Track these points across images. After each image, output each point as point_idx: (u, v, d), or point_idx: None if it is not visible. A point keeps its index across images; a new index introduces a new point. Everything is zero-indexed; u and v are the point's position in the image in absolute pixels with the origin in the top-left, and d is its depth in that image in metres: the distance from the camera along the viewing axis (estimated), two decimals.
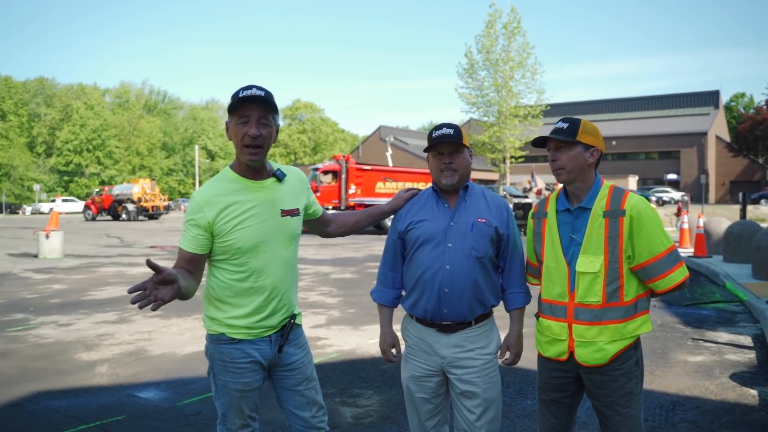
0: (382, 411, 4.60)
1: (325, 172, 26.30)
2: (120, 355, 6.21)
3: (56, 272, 13.04)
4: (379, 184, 27.25)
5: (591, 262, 2.54)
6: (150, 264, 2.15)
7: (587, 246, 2.56)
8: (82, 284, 11.28)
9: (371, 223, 3.04)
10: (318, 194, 24.38)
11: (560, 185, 2.73)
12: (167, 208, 45.94)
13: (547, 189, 28.99)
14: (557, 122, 2.68)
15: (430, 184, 2.89)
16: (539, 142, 2.72)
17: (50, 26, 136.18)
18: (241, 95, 2.43)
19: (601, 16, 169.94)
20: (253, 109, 2.43)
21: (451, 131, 2.72)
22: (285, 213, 2.58)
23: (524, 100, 40.70)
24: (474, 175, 44.80)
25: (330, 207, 24.85)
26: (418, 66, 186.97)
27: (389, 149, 56.11)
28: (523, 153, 40.92)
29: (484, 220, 2.74)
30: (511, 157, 41.65)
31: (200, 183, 75.92)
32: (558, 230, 2.66)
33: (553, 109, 56.13)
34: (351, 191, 25.74)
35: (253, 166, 2.52)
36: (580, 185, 2.64)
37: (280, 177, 2.60)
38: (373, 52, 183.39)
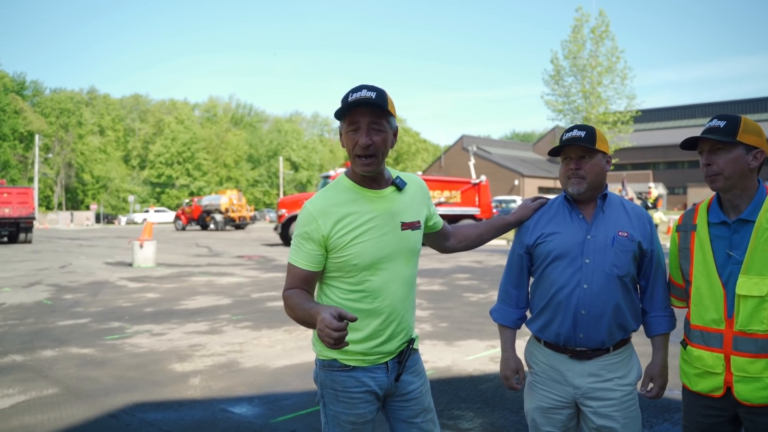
0: None
1: None
2: (212, 366, 6.17)
3: (149, 281, 13.38)
4: None
5: (755, 284, 2.16)
6: (349, 318, 1.88)
7: (750, 265, 2.18)
8: (174, 293, 11.49)
9: (495, 236, 2.74)
10: None
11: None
12: (253, 219, 46.93)
13: (639, 198, 27.78)
14: (711, 120, 2.32)
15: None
16: (689, 144, 2.36)
17: (145, 47, 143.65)
18: (349, 99, 2.16)
19: (691, 17, 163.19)
20: (363, 114, 2.16)
21: (582, 134, 2.41)
22: (405, 226, 2.30)
23: (613, 106, 39.22)
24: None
25: None
26: (500, 75, 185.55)
27: (472, 159, 55.52)
28: (612, 161, 39.45)
29: (625, 234, 2.41)
30: None
31: (284, 194, 77.52)
32: (711, 246, 2.29)
33: (645, 115, 54.07)
34: None
35: (368, 176, 2.26)
36: (739, 193, 2.27)
37: (400, 186, 2.32)
38: (455, 62, 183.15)
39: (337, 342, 1.85)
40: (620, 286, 2.39)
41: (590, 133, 2.43)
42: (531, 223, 2.59)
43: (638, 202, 25.65)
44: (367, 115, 2.17)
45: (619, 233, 2.41)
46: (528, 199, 2.70)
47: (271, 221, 58.98)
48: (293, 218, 23.93)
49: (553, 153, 2.54)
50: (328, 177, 25.04)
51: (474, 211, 26.24)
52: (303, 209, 2.26)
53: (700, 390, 2.34)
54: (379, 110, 2.17)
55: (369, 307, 2.26)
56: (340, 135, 2.28)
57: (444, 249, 2.71)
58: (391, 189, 2.32)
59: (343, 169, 17.91)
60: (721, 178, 2.26)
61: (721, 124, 2.26)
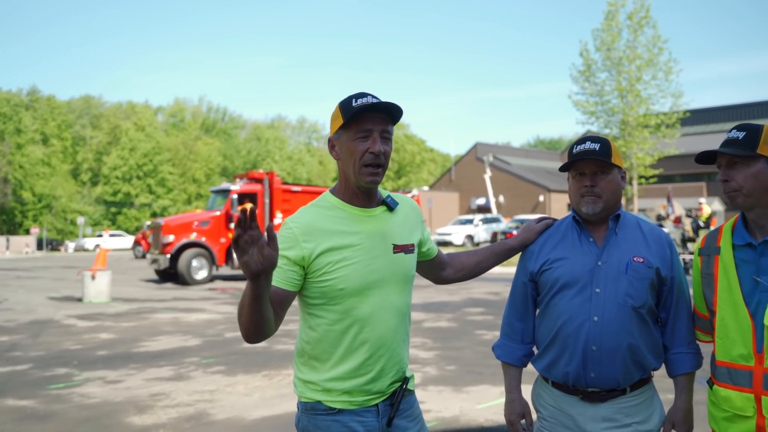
0: None
1: (241, 196, 22.84)
2: (177, 419, 6.29)
3: (103, 319, 13.51)
4: None
5: None
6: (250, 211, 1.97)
7: None
8: (133, 333, 11.62)
9: (496, 264, 2.90)
10: (232, 225, 21.48)
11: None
12: None
13: (688, 216, 27.92)
14: (730, 131, 2.48)
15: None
16: (706, 157, 2.53)
17: (96, 41, 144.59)
18: (357, 103, 2.32)
19: None
20: (375, 121, 2.34)
21: (597, 146, 2.58)
22: (398, 249, 2.46)
23: (656, 106, 39.57)
24: None
25: None
26: (520, 71, 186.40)
27: (488, 170, 55.83)
28: (656, 171, 39.67)
29: (641, 260, 2.56)
30: (640, 177, 40.45)
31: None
32: (737, 271, 2.44)
33: (695, 116, 54.40)
34: (277, 221, 22.08)
35: (369, 189, 2.42)
36: (764, 212, 2.42)
37: (391, 205, 2.49)
38: (466, 57, 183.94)
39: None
40: (636, 318, 2.53)
41: (605, 145, 2.59)
42: (536, 247, 2.75)
43: (688, 221, 25.76)
44: (380, 122, 2.35)
45: (634, 258, 2.56)
46: (532, 220, 2.86)
47: None
48: (186, 246, 21.81)
49: (564, 168, 2.70)
50: (227, 191, 23.14)
51: None
52: (284, 226, 2.40)
53: None
54: (391, 117, 2.37)
55: (355, 337, 2.37)
56: (332, 146, 2.44)
57: (440, 279, 2.86)
58: (381, 209, 2.49)
59: (241, 182, 17.34)
60: (740, 195, 2.41)
61: (740, 135, 2.42)
